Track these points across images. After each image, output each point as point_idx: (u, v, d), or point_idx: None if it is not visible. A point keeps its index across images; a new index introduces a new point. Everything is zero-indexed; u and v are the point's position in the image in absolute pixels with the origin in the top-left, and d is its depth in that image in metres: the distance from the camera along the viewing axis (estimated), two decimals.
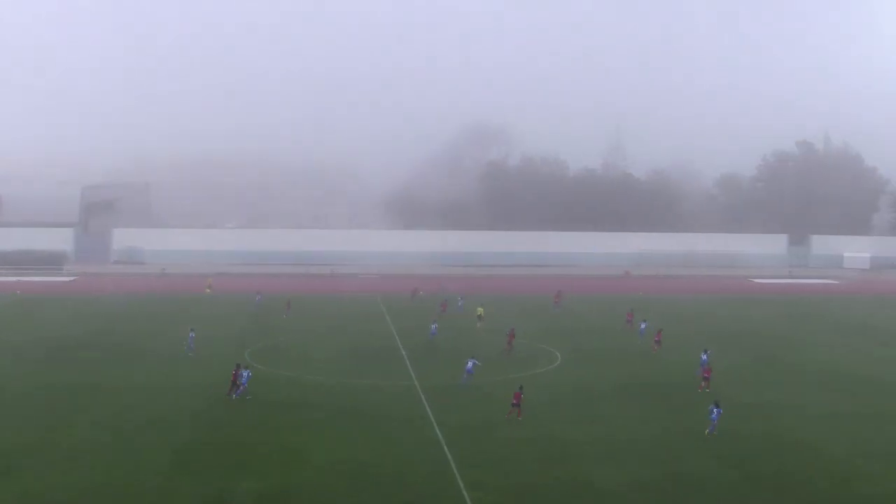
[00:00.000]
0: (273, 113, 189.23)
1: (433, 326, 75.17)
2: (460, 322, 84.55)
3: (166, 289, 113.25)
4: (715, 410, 46.96)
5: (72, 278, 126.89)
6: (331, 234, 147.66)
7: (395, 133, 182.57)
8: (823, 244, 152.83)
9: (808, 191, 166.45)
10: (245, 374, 54.21)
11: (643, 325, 76.79)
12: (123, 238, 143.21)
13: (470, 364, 58.35)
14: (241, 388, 53.42)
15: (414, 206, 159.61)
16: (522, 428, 47.63)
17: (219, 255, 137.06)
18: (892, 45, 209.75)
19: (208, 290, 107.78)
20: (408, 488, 38.22)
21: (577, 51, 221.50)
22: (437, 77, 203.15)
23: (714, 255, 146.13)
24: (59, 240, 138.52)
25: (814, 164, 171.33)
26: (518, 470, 40.71)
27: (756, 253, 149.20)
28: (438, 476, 39.75)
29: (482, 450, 43.61)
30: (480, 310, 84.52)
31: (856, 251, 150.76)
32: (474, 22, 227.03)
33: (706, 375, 57.35)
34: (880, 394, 57.00)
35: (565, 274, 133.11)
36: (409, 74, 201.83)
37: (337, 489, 38.05)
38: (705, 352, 61.57)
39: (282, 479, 39.10)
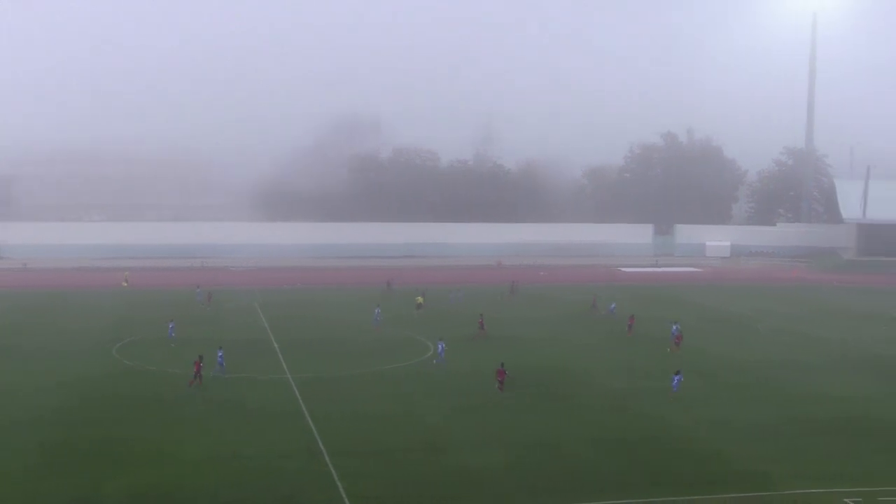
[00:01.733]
0: (137, 102, 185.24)
1: (377, 311, 78.98)
2: (402, 310, 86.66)
3: (81, 283, 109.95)
4: (676, 378, 53.90)
5: None
6: (200, 227, 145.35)
7: (266, 123, 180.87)
8: (687, 233, 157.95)
9: (672, 182, 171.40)
10: (219, 354, 57.97)
11: (612, 306, 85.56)
12: None
13: (441, 346, 62.65)
14: (219, 367, 56.89)
15: (286, 197, 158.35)
16: (397, 416, 48.41)
17: (84, 249, 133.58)
18: (747, 44, 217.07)
19: (125, 284, 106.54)
20: (282, 481, 38.51)
21: (448, 42, 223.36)
22: (308, 67, 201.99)
23: (584, 245, 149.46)
24: None
25: (678, 156, 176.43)
26: (393, 458, 41.43)
27: (624, 242, 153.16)
28: (313, 467, 40.16)
29: (356, 440, 44.21)
30: (420, 298, 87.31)
31: (717, 240, 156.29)
32: (343, 13, 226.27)
33: (677, 342, 68.13)
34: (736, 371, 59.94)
35: (439, 265, 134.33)
36: (280, 64, 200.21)
37: (211, 484, 38.06)
38: (675, 323, 71.62)
39: (155, 475, 38.87)
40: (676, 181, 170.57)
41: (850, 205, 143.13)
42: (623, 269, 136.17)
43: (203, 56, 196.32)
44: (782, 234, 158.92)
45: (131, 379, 57.11)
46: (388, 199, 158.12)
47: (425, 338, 72.18)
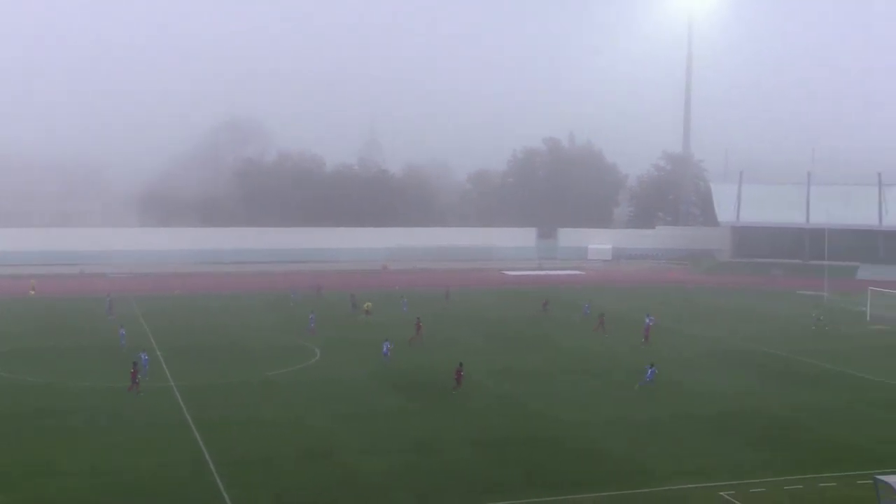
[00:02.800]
0: (18, 106, 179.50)
1: (311, 316, 78.84)
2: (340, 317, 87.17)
3: None
4: (650, 370, 57.00)
5: None
6: (81, 233, 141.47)
7: (149, 128, 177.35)
8: (570, 237, 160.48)
9: (555, 186, 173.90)
10: (143, 357, 58.86)
11: (587, 307, 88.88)
12: None
13: (385, 347, 64.26)
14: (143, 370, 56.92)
15: (169, 202, 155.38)
16: (283, 423, 48.19)
17: None
18: (627, 51, 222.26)
19: (32, 293, 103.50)
20: (167, 492, 37.98)
21: (334, 46, 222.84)
22: (191, 71, 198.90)
23: (469, 249, 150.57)
24: None
25: (560, 161, 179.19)
26: (279, 465, 41.23)
27: (508, 246, 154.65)
28: (198, 477, 39.69)
29: (243, 448, 43.85)
30: (368, 304, 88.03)
31: (599, 243, 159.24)
32: (228, 16, 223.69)
33: (646, 335, 74.26)
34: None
35: (324, 269, 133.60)
36: (163, 68, 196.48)
37: (94, 498, 37.27)
38: (648, 316, 78.00)
39: (32, 491, 37.87)
40: (559, 185, 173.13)
41: (725, 208, 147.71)
42: (507, 273, 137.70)
43: (85, 59, 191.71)
44: (661, 237, 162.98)
45: (9, 392, 55.39)
46: (272, 204, 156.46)
47: (365, 340, 71.93)
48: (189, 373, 60.63)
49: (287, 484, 39.00)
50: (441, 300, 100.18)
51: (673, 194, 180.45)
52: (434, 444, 45.09)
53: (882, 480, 33.48)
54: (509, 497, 37.83)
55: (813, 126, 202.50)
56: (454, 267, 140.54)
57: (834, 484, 39.77)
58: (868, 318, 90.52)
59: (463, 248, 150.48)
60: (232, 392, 55.86)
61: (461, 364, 57.29)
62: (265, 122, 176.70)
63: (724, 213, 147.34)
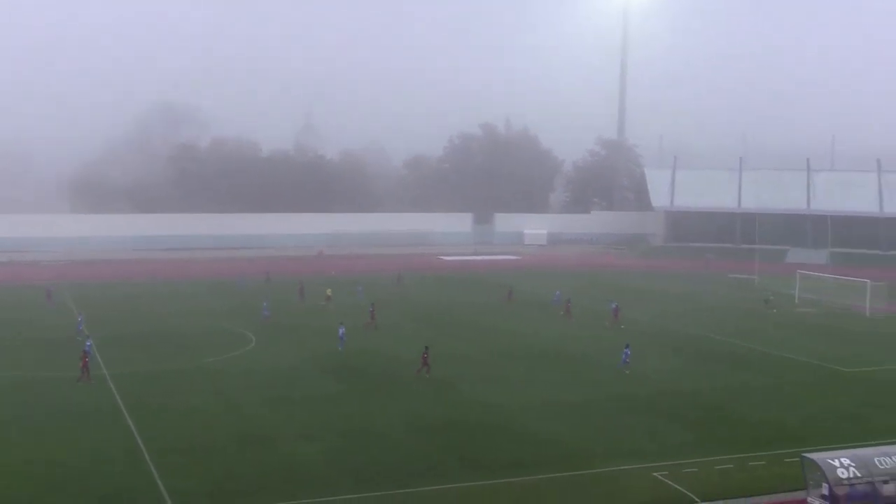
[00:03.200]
0: None
1: (265, 304, 78.50)
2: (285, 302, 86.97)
3: None
4: (626, 351, 58.92)
5: None
6: (9, 220, 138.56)
7: (80, 113, 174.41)
8: (506, 222, 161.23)
9: (491, 171, 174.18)
10: (87, 345, 58.20)
11: (557, 294, 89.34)
12: None
13: (341, 331, 64.70)
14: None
15: (101, 188, 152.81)
16: (218, 410, 47.86)
17: None
18: (562, 38, 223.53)
19: None
20: (102, 482, 37.48)
21: (268, 30, 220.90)
22: (122, 53, 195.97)
23: (406, 234, 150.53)
24: None
25: (496, 146, 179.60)
26: (215, 452, 40.95)
27: (444, 231, 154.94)
28: (132, 467, 39.24)
29: (178, 436, 43.46)
30: (329, 291, 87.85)
31: (535, 228, 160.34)
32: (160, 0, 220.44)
33: (615, 316, 77.12)
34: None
35: (259, 255, 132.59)
36: (93, 52, 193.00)
37: (27, 491, 36.59)
38: (613, 302, 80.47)
39: None
40: (495, 171, 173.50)
41: (659, 193, 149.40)
42: (444, 258, 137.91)
43: (14, 41, 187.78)
44: (597, 222, 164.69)
45: None
46: (208, 190, 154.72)
47: (321, 326, 72.22)
48: (123, 361, 59.85)
49: (223, 471, 38.74)
50: (393, 285, 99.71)
51: (608, 180, 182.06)
52: (370, 428, 45.09)
53: (809, 458, 34.21)
54: (446, 481, 37.98)
55: (745, 113, 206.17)
56: (391, 252, 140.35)
57: (763, 463, 40.55)
58: (797, 300, 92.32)
59: (400, 233, 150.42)
60: (167, 380, 55.28)
61: (427, 348, 57.53)
62: (199, 107, 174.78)
63: (658, 198, 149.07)
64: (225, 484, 37.40)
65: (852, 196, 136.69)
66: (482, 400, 51.13)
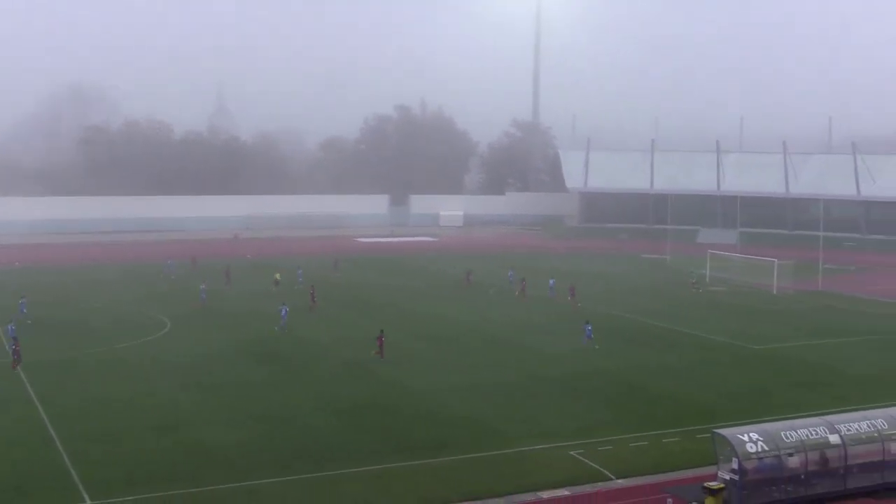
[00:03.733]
0: None
1: (202, 287, 77.91)
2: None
3: None
4: (587, 328, 60.83)
5: None
6: None
7: None
8: (422, 203, 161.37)
9: (407, 153, 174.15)
10: (10, 328, 58.55)
11: (510, 274, 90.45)
12: None
13: (283, 311, 65.55)
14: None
15: (8, 171, 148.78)
16: (131, 397, 47.13)
17: None
18: (476, 20, 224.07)
19: None
20: (11, 471, 36.66)
21: (180, 10, 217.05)
22: (28, 33, 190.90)
23: (322, 217, 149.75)
24: None
25: (412, 128, 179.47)
26: (128, 440, 40.32)
27: (360, 213, 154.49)
28: (44, 455, 38.45)
29: (90, 423, 42.69)
30: (278, 275, 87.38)
31: (450, 209, 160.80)
32: None
33: (572, 294, 79.68)
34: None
35: (174, 239, 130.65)
36: None
37: None
38: (552, 280, 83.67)
39: None
40: (411, 152, 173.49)
41: (573, 174, 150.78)
42: (360, 240, 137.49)
43: None
44: (512, 203, 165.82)
45: None
46: (119, 173, 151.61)
47: (250, 310, 72.35)
48: (34, 348, 58.27)
49: (137, 459, 38.13)
50: (330, 270, 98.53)
51: (523, 161, 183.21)
52: (290, 413, 44.84)
53: (719, 434, 34.97)
54: (365, 463, 37.94)
55: (657, 95, 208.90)
56: (308, 235, 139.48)
57: (677, 439, 41.37)
58: (707, 280, 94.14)
59: (316, 215, 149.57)
60: (79, 367, 54.25)
61: (382, 331, 57.56)
62: (109, 88, 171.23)
63: (573, 179, 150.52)
64: (140, 471, 36.83)
65: (760, 177, 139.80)
66: (403, 383, 51.18)
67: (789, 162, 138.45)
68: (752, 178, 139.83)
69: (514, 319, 71.27)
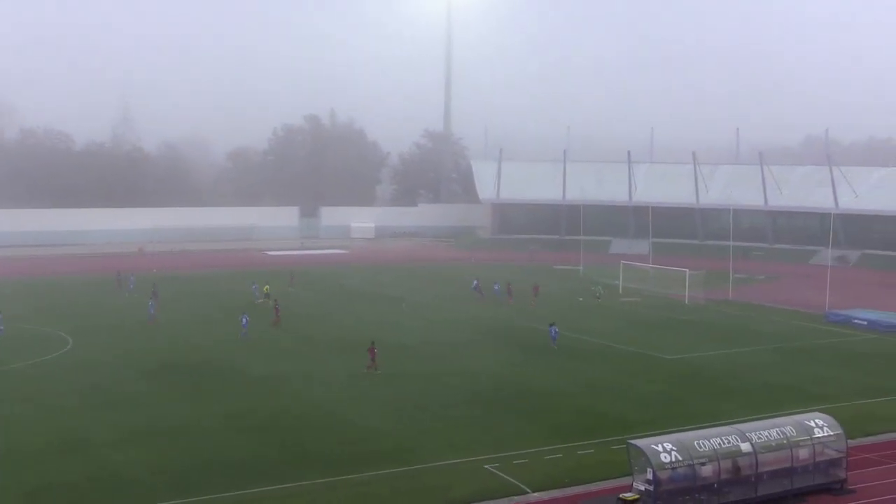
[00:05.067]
0: None
1: (151, 303, 77.00)
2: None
3: None
4: (553, 329, 64.51)
5: None
6: None
7: None
8: (333, 215, 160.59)
9: (317, 164, 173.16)
10: None
11: (496, 286, 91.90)
12: None
13: (244, 320, 67.17)
14: None
15: None
16: (27, 417, 45.86)
17: None
18: (388, 33, 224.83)
19: None
20: None
21: (82, 17, 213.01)
22: None
23: (230, 229, 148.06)
24: None
25: (321, 138, 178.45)
26: (28, 462, 39.17)
27: (270, 225, 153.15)
28: None
29: None
30: (267, 287, 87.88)
31: (362, 221, 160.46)
32: None
33: (534, 294, 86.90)
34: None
35: (73, 253, 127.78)
36: None
37: None
38: (496, 283, 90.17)
39: None
40: (321, 163, 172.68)
41: (485, 185, 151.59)
42: (270, 253, 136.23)
43: None
44: (424, 215, 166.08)
45: None
46: (16, 184, 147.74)
47: (62, 330, 68.94)
48: None
49: (37, 481, 37.04)
50: (286, 284, 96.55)
51: (434, 172, 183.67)
52: (195, 429, 44.07)
53: (634, 444, 35.37)
54: (275, 481, 37.46)
55: (568, 106, 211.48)
56: (215, 248, 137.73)
57: (591, 451, 41.71)
58: (620, 290, 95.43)
59: (224, 228, 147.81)
60: None
61: (373, 342, 57.66)
62: (5, 96, 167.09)
63: (485, 190, 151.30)
64: (40, 496, 35.82)
65: (671, 187, 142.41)
66: (313, 396, 50.75)
67: (699, 172, 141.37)
68: (664, 188, 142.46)
69: (433, 331, 71.31)
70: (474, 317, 79.20)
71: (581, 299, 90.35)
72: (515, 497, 36.42)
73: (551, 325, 66.21)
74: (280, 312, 74.79)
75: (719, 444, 35.57)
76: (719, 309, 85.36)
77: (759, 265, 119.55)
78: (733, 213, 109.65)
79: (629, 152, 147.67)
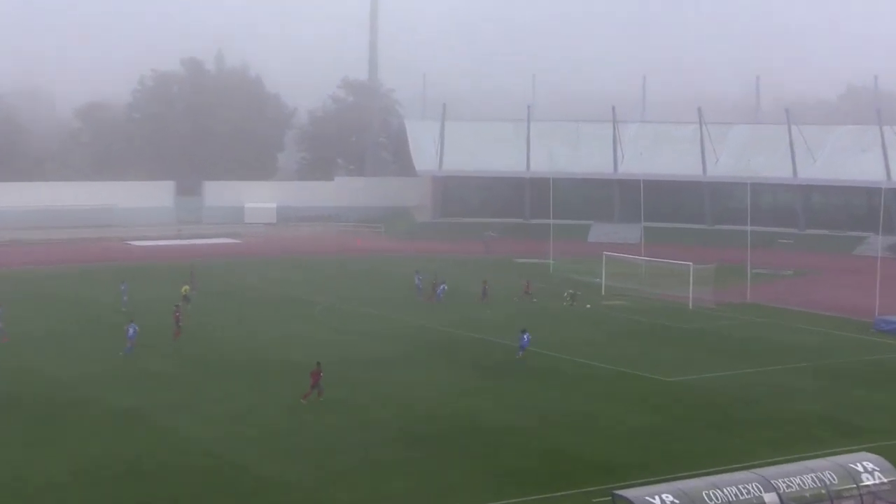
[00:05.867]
0: None
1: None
2: None
3: None
4: (525, 336, 66.81)
5: None
6: None
7: None
8: (220, 193, 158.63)
9: (199, 124, 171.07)
10: None
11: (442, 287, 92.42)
12: None
13: (131, 330, 67.85)
14: None
15: None
16: None
17: None
18: None
19: None
20: None
21: None
22: None
23: (82, 212, 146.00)
24: None
25: (205, 90, 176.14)
26: None
27: (136, 207, 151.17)
28: None
29: None
30: (186, 287, 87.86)
31: (259, 201, 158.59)
32: None
33: (527, 290, 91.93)
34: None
35: None
36: None
37: None
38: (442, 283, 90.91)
39: None
40: (204, 124, 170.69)
41: (424, 153, 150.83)
42: (135, 243, 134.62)
43: None
44: (343, 192, 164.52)
45: None
46: None
47: None
48: None
49: None
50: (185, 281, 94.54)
51: (356, 135, 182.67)
52: (31, 482, 43.02)
53: (622, 496, 34.88)
54: None
55: (533, 48, 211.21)
56: (60, 237, 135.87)
57: None
58: (603, 291, 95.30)
59: (73, 209, 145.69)
60: None
61: (318, 364, 56.23)
62: None
63: (424, 159, 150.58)
64: None
65: (669, 155, 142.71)
66: (194, 436, 49.75)
67: (707, 134, 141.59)
68: (660, 155, 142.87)
69: (356, 346, 70.65)
70: (410, 326, 78.75)
71: (568, 301, 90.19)
72: None
73: (523, 331, 66.74)
74: (181, 321, 73.85)
75: (736, 494, 35.12)
76: (734, 315, 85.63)
77: (787, 257, 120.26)
78: (752, 188, 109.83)
79: (614, 108, 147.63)
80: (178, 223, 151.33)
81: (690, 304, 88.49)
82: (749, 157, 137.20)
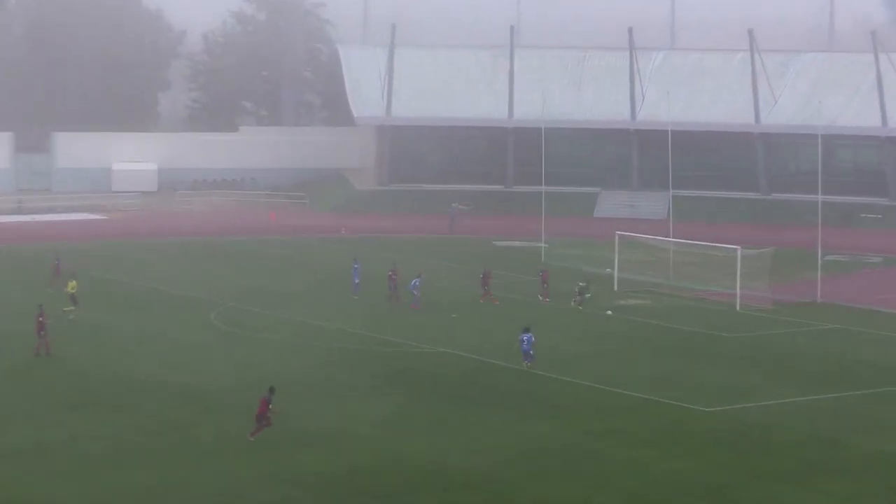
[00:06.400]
0: None
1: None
2: None
3: None
4: (525, 337, 69.43)
5: None
6: None
7: None
8: (77, 149, 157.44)
9: (50, 53, 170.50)
10: None
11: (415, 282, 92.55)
12: None
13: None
14: None
15: None
16: None
17: None
18: None
19: None
20: None
21: None
22: None
23: None
24: None
25: (61, 9, 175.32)
26: None
27: None
28: None
29: None
30: (73, 283, 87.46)
31: (132, 161, 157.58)
32: None
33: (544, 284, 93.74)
34: None
35: None
36: None
37: None
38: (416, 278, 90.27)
39: None
40: (55, 52, 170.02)
41: (365, 94, 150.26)
42: None
43: None
44: (251, 148, 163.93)
45: None
46: None
47: None
48: None
49: None
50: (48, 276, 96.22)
51: (270, 69, 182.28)
52: None
53: None
54: None
55: None
56: None
57: None
58: (616, 286, 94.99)
59: None
60: None
61: (271, 390, 55.56)
62: None
63: (365, 103, 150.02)
64: None
65: (707, 96, 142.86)
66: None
67: (760, 67, 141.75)
68: (695, 97, 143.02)
69: (264, 360, 70.35)
70: (343, 336, 78.71)
71: (577, 300, 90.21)
72: None
73: (525, 330, 68.65)
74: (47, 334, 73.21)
75: None
76: (799, 320, 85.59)
77: (875, 237, 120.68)
78: (825, 141, 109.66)
79: (631, 31, 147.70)
80: (17, 192, 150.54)
81: (738, 305, 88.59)
82: (820, 99, 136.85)
